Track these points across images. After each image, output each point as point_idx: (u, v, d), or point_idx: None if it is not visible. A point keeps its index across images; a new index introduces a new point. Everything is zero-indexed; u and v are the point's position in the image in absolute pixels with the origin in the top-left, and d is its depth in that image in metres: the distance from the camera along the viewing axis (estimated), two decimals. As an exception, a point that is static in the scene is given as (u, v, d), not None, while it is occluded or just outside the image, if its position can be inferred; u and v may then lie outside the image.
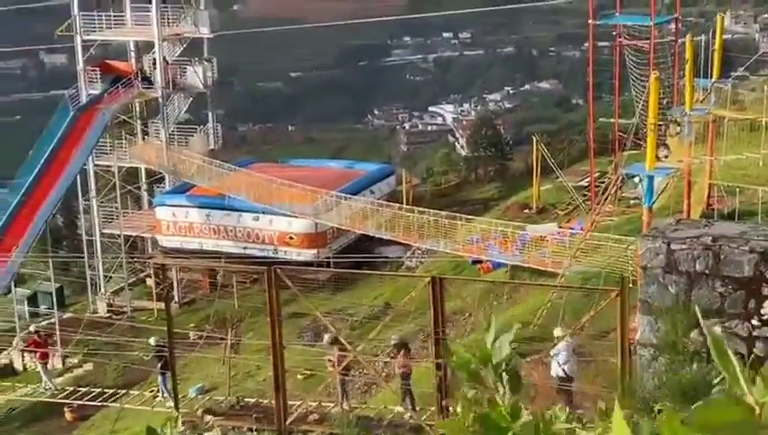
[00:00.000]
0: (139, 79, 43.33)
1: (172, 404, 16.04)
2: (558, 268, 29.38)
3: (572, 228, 34.87)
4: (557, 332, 17.64)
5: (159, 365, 24.37)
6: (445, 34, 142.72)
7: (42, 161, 39.74)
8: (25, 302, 43.05)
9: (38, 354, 26.37)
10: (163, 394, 23.53)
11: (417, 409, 15.32)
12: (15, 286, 39.59)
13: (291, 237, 40.65)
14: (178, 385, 17.05)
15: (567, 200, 41.88)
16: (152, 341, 26.34)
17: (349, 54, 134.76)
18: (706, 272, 8.08)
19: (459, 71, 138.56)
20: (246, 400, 11.55)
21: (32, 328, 27.68)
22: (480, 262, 34.77)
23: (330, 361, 17.67)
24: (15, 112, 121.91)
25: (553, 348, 16.73)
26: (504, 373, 1.64)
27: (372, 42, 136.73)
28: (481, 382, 1.65)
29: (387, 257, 39.56)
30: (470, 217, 36.85)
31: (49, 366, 29.38)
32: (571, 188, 41.50)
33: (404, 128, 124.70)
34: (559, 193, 43.07)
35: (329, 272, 36.96)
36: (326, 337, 19.26)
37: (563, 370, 16.42)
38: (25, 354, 37.72)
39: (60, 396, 24.52)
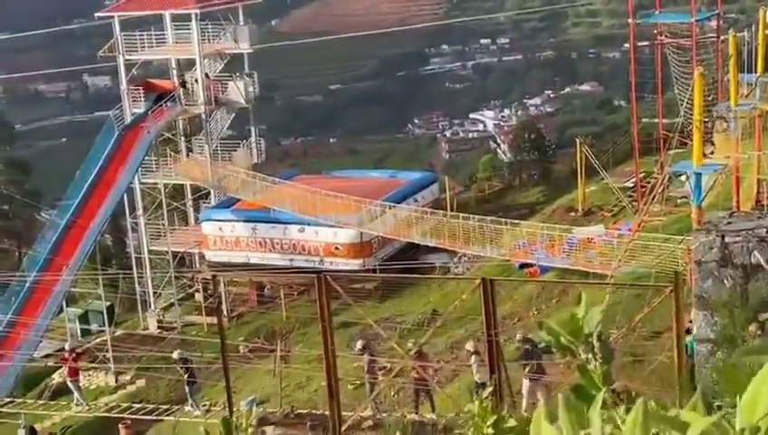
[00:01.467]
0: (182, 94, 43.77)
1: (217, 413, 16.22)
2: (606, 270, 29.13)
3: (620, 229, 34.58)
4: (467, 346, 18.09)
5: (186, 377, 24.94)
6: (483, 41, 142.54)
7: (89, 181, 40.19)
8: (77, 320, 43.63)
9: (68, 371, 26.69)
10: (191, 405, 23.98)
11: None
12: (67, 305, 40.07)
13: (336, 248, 40.74)
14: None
15: (613, 202, 41.55)
16: (175, 354, 26.62)
17: (387, 65, 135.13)
18: (762, 264, 7.97)
19: (498, 77, 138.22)
20: (299, 410, 11.57)
21: (66, 346, 27.97)
22: (528, 266, 34.59)
23: (362, 367, 18.06)
24: (61, 135, 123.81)
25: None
26: (594, 344, 1.64)
27: (410, 51, 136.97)
28: (572, 355, 1.65)
29: (433, 264, 39.48)
30: (516, 221, 36.67)
31: (82, 383, 29.65)
32: (617, 189, 41.18)
33: (445, 136, 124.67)
34: (604, 195, 42.74)
35: (377, 278, 36.95)
36: (358, 343, 19.46)
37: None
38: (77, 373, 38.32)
39: (114, 412, 24.78)
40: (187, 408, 24.64)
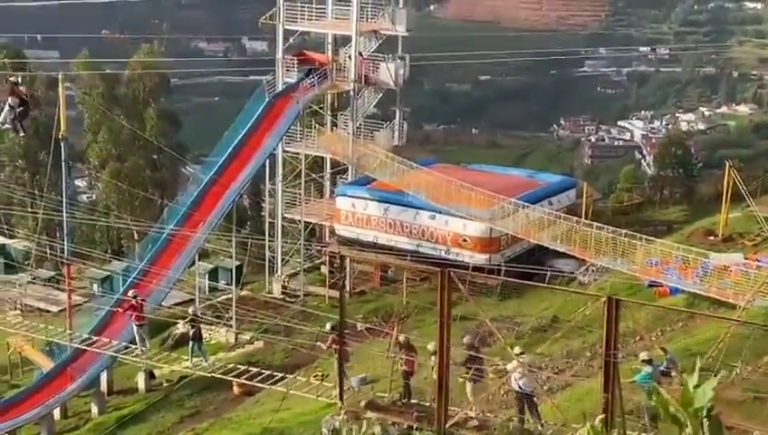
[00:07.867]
0: (334, 71, 44.40)
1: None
2: (739, 301, 28.17)
3: (759, 261, 33.34)
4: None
5: (192, 332, 26.46)
6: (642, 49, 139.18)
7: (235, 142, 41.21)
8: (206, 276, 45.04)
9: (134, 317, 27.41)
10: (195, 358, 26.89)
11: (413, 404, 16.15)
12: (199, 260, 41.31)
13: (464, 240, 40.70)
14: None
15: (756, 231, 40.04)
16: (190, 310, 28.96)
17: (541, 62, 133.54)
18: None
19: (653, 87, 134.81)
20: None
21: (130, 293, 28.70)
22: (657, 285, 33.75)
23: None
24: (215, 93, 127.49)
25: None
26: (704, 420, 1.62)
27: (566, 50, 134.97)
28: (680, 426, 1.64)
29: (560, 270, 38.98)
30: (651, 238, 35.80)
31: (205, 337, 31.21)
32: (762, 218, 39.67)
33: (589, 140, 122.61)
34: (748, 222, 41.21)
35: (501, 279, 36.71)
36: (466, 338, 19.49)
37: (519, 385, 17.12)
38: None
39: (231, 375, 25.73)
40: (194, 361, 26.84)
